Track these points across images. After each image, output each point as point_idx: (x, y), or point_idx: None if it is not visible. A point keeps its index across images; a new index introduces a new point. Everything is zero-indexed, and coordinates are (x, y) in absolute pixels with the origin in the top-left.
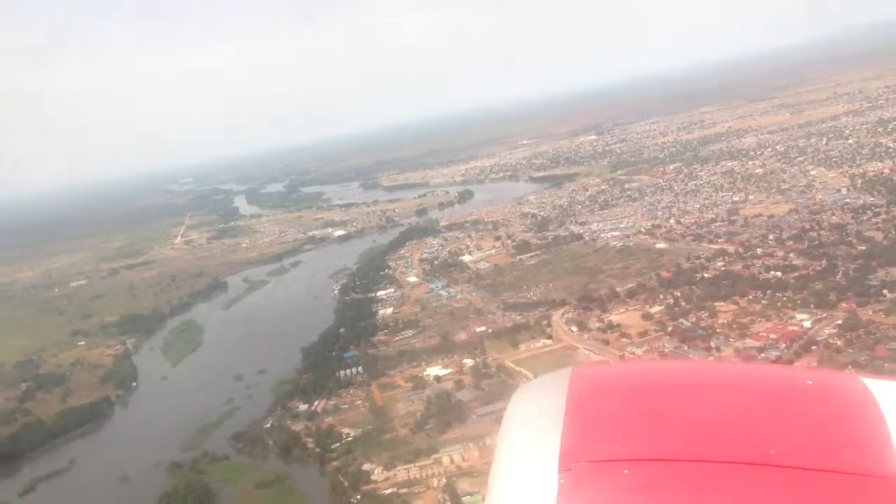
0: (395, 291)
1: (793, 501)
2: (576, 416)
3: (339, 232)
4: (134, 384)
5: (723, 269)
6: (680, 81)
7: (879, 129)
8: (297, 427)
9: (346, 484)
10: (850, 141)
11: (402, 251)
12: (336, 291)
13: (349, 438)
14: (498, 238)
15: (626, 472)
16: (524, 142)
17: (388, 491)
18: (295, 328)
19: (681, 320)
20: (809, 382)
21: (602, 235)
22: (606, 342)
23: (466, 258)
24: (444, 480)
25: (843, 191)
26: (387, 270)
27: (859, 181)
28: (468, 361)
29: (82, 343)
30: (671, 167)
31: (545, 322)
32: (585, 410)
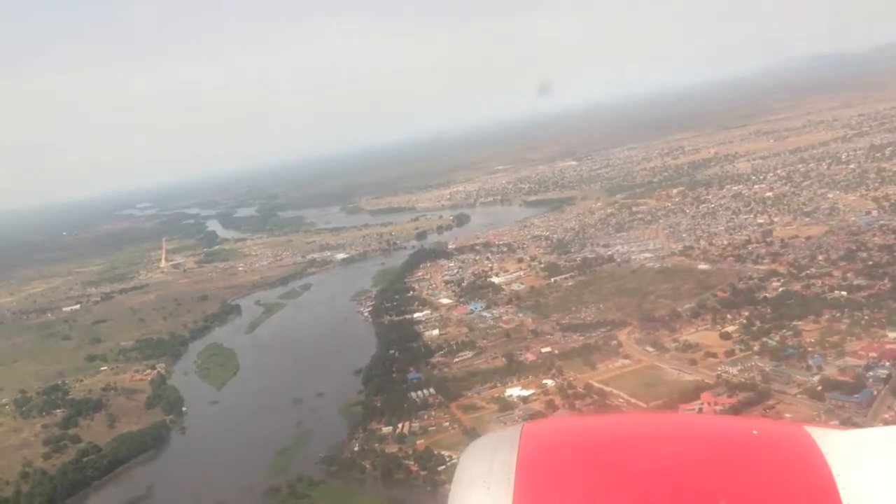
0: (431, 313)
1: None
2: (527, 473)
3: (341, 255)
4: (184, 409)
5: (782, 289)
6: (639, 109)
7: (877, 155)
8: (390, 449)
9: None
10: (851, 166)
11: (419, 274)
12: (366, 313)
13: (454, 461)
14: (520, 260)
15: None
16: (500, 167)
17: None
18: (334, 351)
19: (765, 339)
20: (755, 432)
21: (633, 257)
22: (693, 362)
23: (496, 280)
24: None
25: (874, 213)
26: (412, 293)
27: (885, 204)
28: (549, 382)
29: (104, 368)
30: (674, 191)
31: (613, 342)
32: (537, 467)
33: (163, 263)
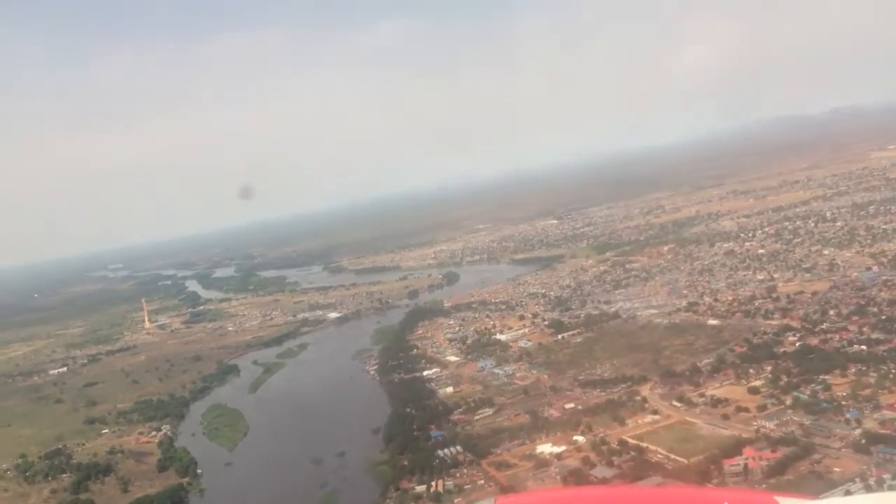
0: (441, 371)
1: None
2: None
3: (334, 314)
4: (199, 472)
5: (799, 343)
6: (608, 169)
7: (861, 213)
8: None
9: None
10: (838, 223)
11: (419, 332)
12: (372, 372)
13: None
14: (521, 318)
15: None
16: (480, 226)
17: None
18: (345, 409)
19: (796, 394)
20: (726, 503)
21: (639, 313)
22: (726, 416)
23: (501, 337)
24: None
25: (875, 268)
26: (416, 350)
27: (883, 259)
28: (579, 438)
29: (106, 431)
30: (665, 249)
31: (637, 398)
32: None
33: (147, 324)
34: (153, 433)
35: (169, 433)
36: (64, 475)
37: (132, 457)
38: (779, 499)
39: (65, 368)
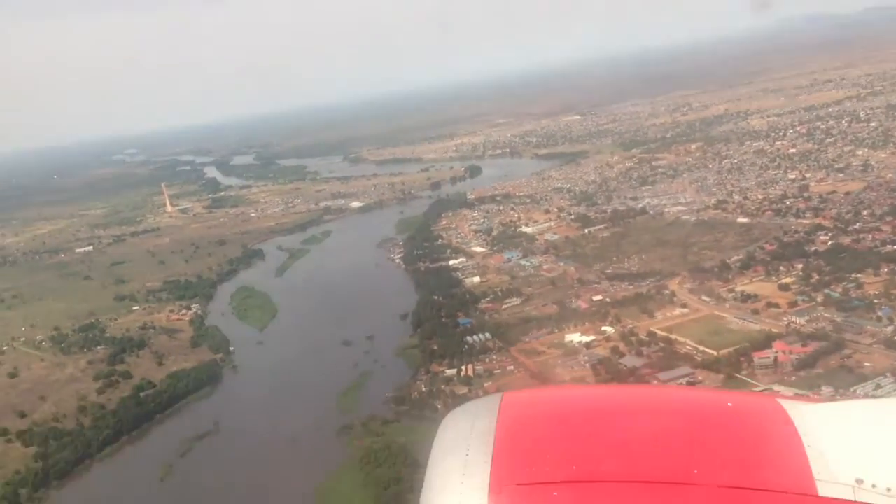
0: (467, 261)
1: None
2: (506, 440)
3: (357, 203)
4: (231, 349)
5: (831, 243)
6: (632, 66)
7: None
8: (459, 391)
9: None
10: (872, 124)
11: (443, 222)
12: (397, 260)
13: None
14: (547, 211)
15: (555, 493)
16: (501, 120)
17: None
18: (371, 295)
19: (827, 291)
20: (729, 404)
21: (666, 210)
22: (756, 312)
23: (527, 230)
24: None
25: None
26: (440, 241)
27: None
28: (608, 329)
29: (136, 308)
30: (693, 146)
31: (666, 292)
32: (515, 435)
33: (168, 208)
34: (183, 311)
35: (199, 312)
36: (99, 347)
37: (165, 333)
38: (781, 401)
39: (90, 247)
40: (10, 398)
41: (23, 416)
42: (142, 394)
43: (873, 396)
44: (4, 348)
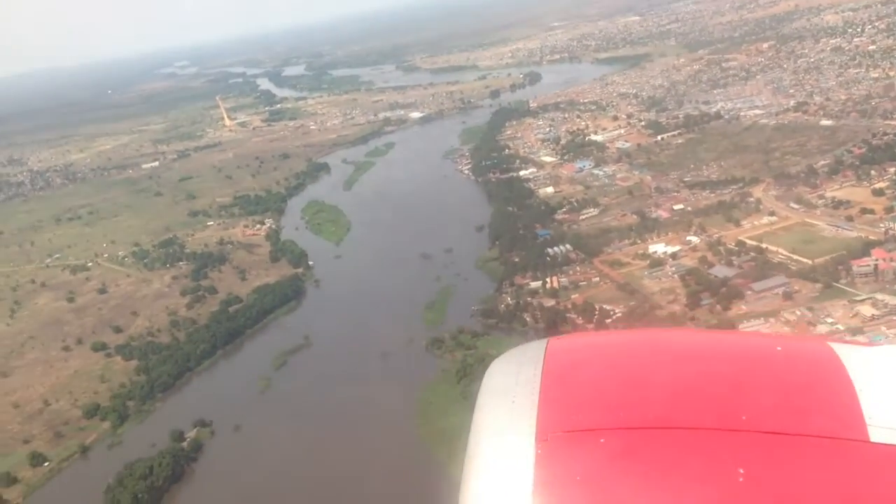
0: (537, 171)
1: (765, 465)
2: (552, 386)
3: (416, 114)
4: (310, 263)
5: None
6: None
7: None
8: (547, 303)
9: None
10: None
11: (508, 132)
12: (465, 171)
13: (618, 314)
14: (615, 118)
15: (602, 440)
16: (556, 23)
17: None
18: (443, 207)
19: None
20: (779, 348)
21: (742, 114)
22: (849, 218)
23: (596, 138)
24: None
25: None
26: (507, 150)
27: None
28: (693, 239)
29: (211, 223)
30: (764, 45)
31: (750, 199)
32: (562, 381)
33: (227, 122)
34: (258, 226)
35: (273, 227)
36: (181, 263)
37: (243, 247)
38: (833, 345)
39: (156, 163)
40: (102, 314)
41: (118, 330)
42: (230, 308)
43: None
44: (89, 264)
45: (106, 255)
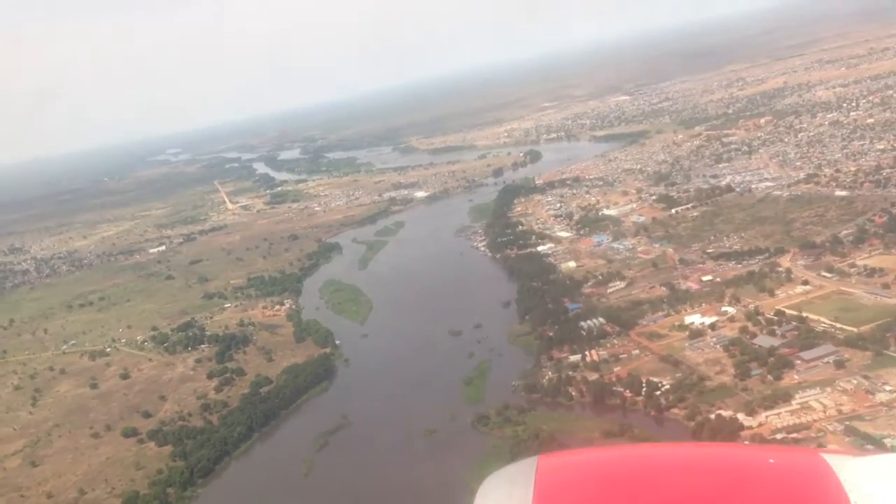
0: (555, 246)
1: None
2: None
3: (421, 193)
4: (337, 342)
5: None
6: (664, 44)
7: None
8: (591, 376)
9: (709, 430)
10: None
11: (518, 209)
12: (481, 248)
13: (666, 387)
14: (625, 193)
15: None
16: (546, 104)
17: (779, 437)
18: (464, 284)
19: None
20: (771, 461)
21: (753, 187)
22: (886, 286)
23: (610, 212)
24: (837, 425)
25: None
26: (520, 227)
27: None
28: (728, 309)
29: (228, 305)
30: (762, 121)
31: (779, 269)
32: None
33: (229, 205)
34: (277, 307)
35: (293, 307)
36: (202, 346)
37: (265, 328)
38: (825, 456)
39: (163, 247)
40: (128, 399)
41: (147, 416)
42: (262, 390)
43: None
44: (108, 350)
45: (124, 340)
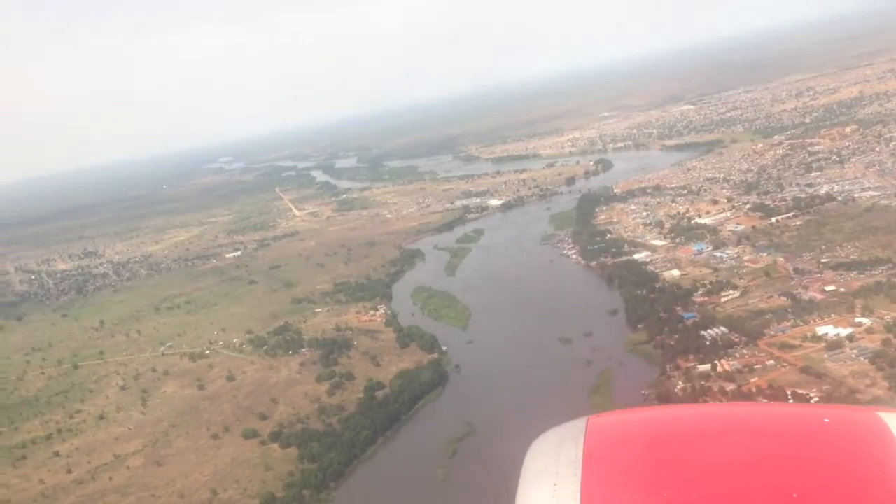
0: (652, 254)
1: None
2: (594, 468)
3: (495, 201)
4: (444, 348)
5: None
6: (717, 55)
7: None
8: (728, 387)
9: None
10: None
11: (601, 217)
12: (572, 256)
13: (815, 399)
14: (715, 202)
15: None
16: (606, 113)
17: None
18: (561, 291)
19: None
20: (826, 420)
21: (855, 196)
22: None
23: (705, 221)
24: None
25: None
26: (609, 235)
27: None
28: (863, 321)
29: (319, 310)
30: (847, 129)
31: None
32: (603, 462)
33: (296, 212)
34: (371, 312)
35: (388, 313)
36: (303, 350)
37: (364, 333)
38: (882, 414)
39: (238, 252)
40: (238, 401)
41: (263, 418)
42: (377, 394)
43: None
44: (206, 352)
45: (221, 343)
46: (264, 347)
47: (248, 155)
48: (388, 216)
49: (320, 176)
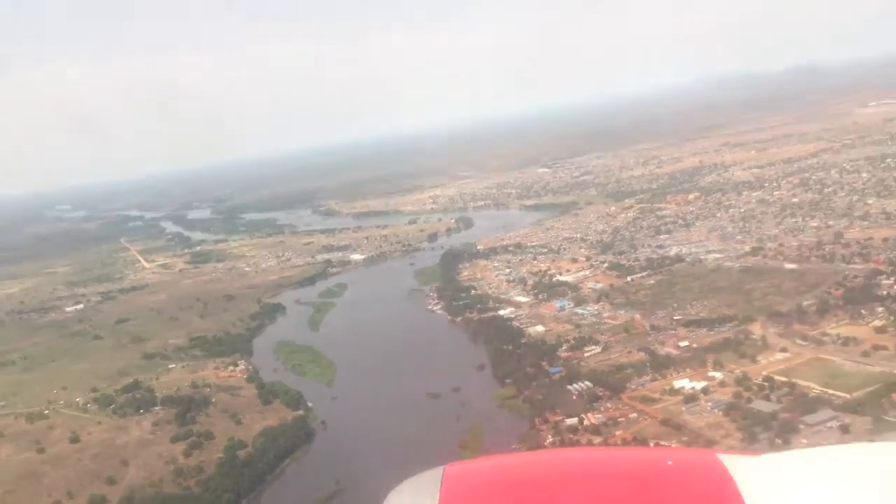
0: (517, 310)
1: None
2: None
3: (358, 256)
4: (310, 405)
5: None
6: (565, 123)
7: (882, 165)
8: (595, 440)
9: None
10: (863, 175)
11: (465, 273)
12: (438, 311)
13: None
14: (575, 261)
15: None
16: (464, 174)
17: None
18: (427, 347)
19: None
20: (669, 463)
21: (702, 257)
22: (865, 354)
23: (566, 278)
24: None
25: None
26: (474, 291)
27: None
28: (716, 375)
29: (173, 366)
30: (690, 196)
31: (753, 336)
32: None
33: (145, 264)
34: (231, 368)
35: (250, 368)
36: (155, 408)
37: (223, 390)
38: (721, 456)
39: (80, 305)
40: (85, 464)
41: (112, 482)
42: (239, 454)
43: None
44: (46, 412)
45: (62, 402)
46: (112, 406)
47: (91, 204)
48: (247, 269)
49: (171, 227)
